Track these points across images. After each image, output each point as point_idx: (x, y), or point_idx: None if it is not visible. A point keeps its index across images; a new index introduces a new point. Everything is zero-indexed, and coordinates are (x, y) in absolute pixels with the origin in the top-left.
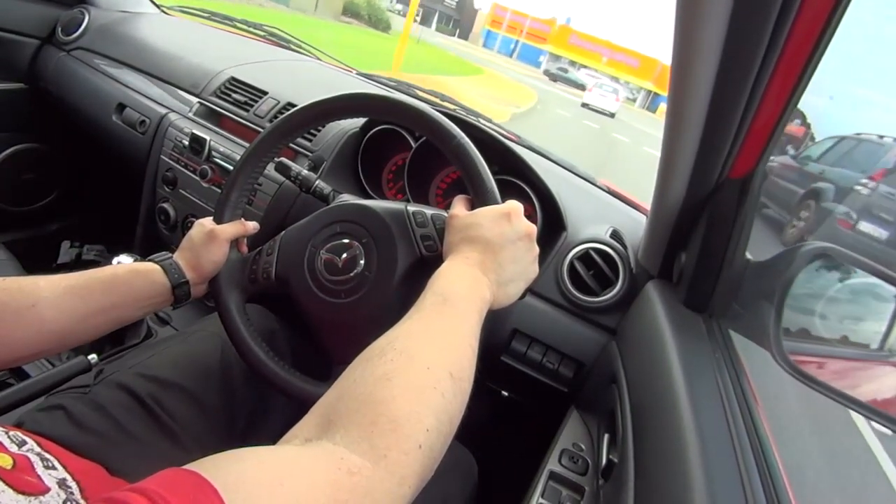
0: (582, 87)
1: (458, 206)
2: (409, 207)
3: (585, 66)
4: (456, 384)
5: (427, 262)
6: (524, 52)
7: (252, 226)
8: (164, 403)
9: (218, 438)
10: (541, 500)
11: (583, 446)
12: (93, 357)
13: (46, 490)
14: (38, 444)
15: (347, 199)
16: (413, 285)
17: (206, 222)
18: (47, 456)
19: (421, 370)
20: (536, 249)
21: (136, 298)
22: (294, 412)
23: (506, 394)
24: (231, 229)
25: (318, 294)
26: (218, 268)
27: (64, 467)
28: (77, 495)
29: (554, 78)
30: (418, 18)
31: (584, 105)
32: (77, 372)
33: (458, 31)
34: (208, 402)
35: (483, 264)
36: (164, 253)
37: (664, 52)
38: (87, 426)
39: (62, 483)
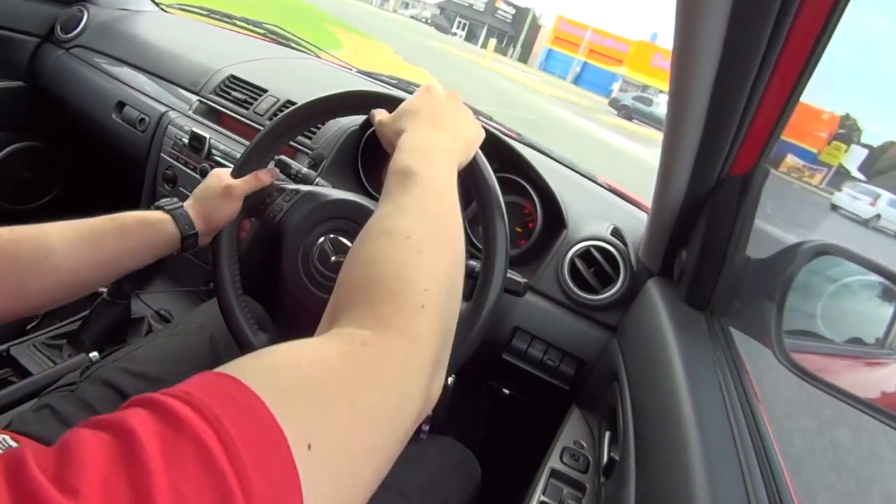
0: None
1: (379, 114)
2: None
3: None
4: (441, 239)
5: None
6: (590, 76)
7: (266, 177)
8: None
9: None
10: (542, 498)
11: (584, 444)
12: (94, 354)
13: None
14: (16, 441)
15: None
16: None
17: (224, 175)
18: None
19: (401, 241)
20: (467, 108)
21: (146, 247)
22: None
23: (507, 392)
24: (246, 186)
25: (304, 280)
26: (228, 221)
27: None
28: None
29: (629, 114)
30: (461, 32)
31: None
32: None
33: (511, 48)
34: None
35: (431, 125)
36: (174, 200)
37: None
38: (72, 423)
39: None
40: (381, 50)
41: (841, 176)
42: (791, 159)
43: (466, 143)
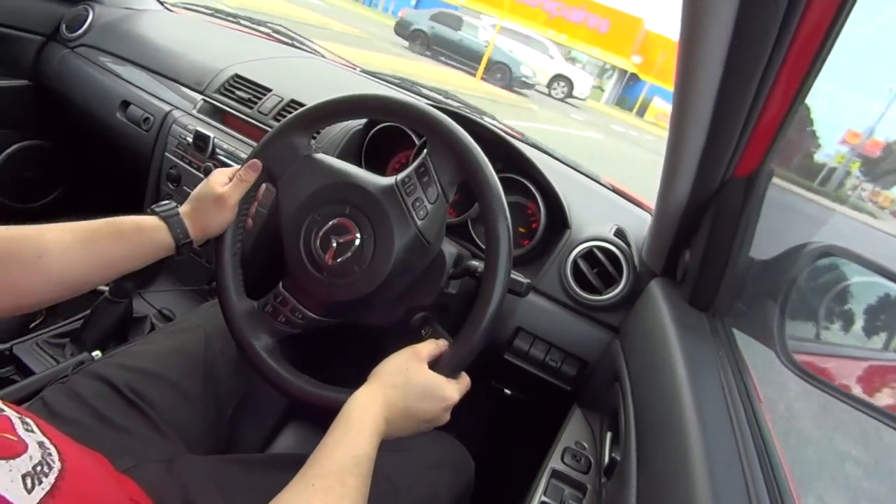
0: (476, 60)
1: (425, 349)
2: (397, 178)
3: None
4: None
5: (421, 233)
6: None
7: (250, 175)
8: (142, 392)
9: (204, 425)
10: (543, 498)
11: (585, 444)
12: (96, 353)
13: (25, 449)
14: (16, 412)
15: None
16: (405, 264)
17: (217, 184)
18: (26, 420)
19: None
20: (427, 431)
21: (140, 251)
22: (286, 402)
23: (509, 392)
24: (237, 192)
25: (304, 259)
26: (223, 230)
27: (42, 432)
28: (55, 457)
29: (414, 38)
30: None
31: None
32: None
33: None
34: (191, 391)
35: (391, 421)
36: (170, 204)
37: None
38: (63, 414)
39: (41, 445)
40: None
41: None
42: (658, 104)
43: (383, 436)
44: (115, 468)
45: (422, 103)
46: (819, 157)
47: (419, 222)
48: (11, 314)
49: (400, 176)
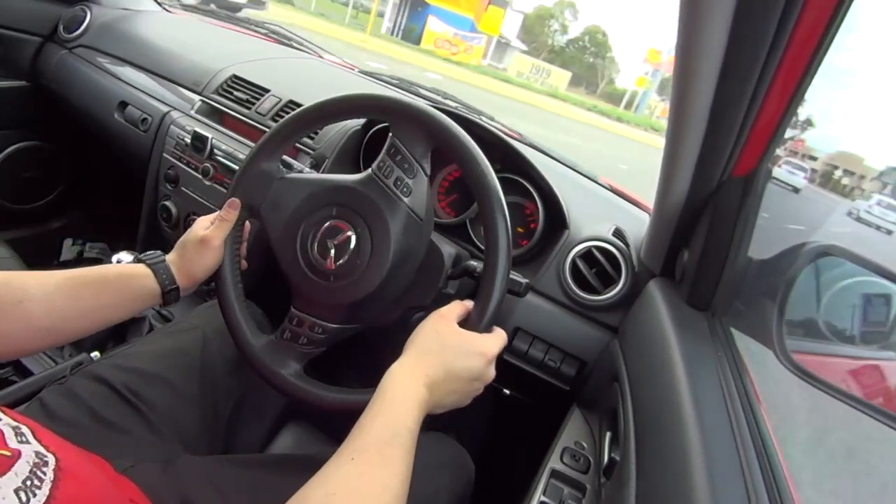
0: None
1: (452, 310)
2: (372, 166)
3: None
4: None
5: (411, 210)
6: None
7: (231, 214)
8: (139, 393)
9: (202, 426)
10: (542, 498)
11: (584, 444)
12: (95, 354)
13: (16, 463)
14: (12, 418)
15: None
16: (406, 249)
17: (200, 229)
18: (22, 429)
19: None
20: (481, 391)
21: (125, 300)
22: (284, 402)
23: (507, 392)
24: (220, 232)
25: (301, 264)
26: (209, 273)
27: (38, 440)
28: (51, 465)
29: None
30: None
31: None
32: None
33: None
34: (189, 392)
35: (435, 387)
36: (156, 254)
37: None
38: (60, 415)
39: (37, 454)
40: None
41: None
42: (435, 26)
43: (437, 409)
44: (114, 469)
45: (370, 92)
46: (620, 82)
47: (405, 199)
48: None
49: (374, 164)
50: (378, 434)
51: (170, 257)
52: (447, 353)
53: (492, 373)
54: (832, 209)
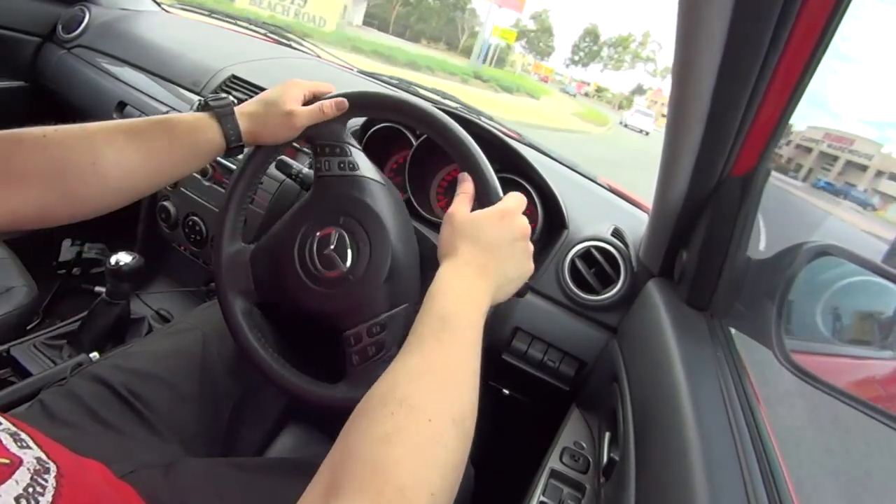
0: None
1: (459, 204)
2: (314, 175)
3: None
4: (459, 430)
5: (370, 178)
6: None
7: (331, 110)
8: (139, 394)
9: (202, 427)
10: (542, 498)
11: (584, 444)
12: (94, 355)
13: (16, 471)
14: (13, 424)
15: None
16: (396, 219)
17: (289, 99)
18: (22, 435)
19: (423, 424)
20: (531, 247)
21: (193, 156)
22: (284, 403)
23: (507, 392)
24: (309, 118)
25: (303, 277)
26: (277, 143)
27: (39, 446)
28: (52, 472)
29: None
30: None
31: None
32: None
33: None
34: (188, 393)
35: (485, 267)
36: (225, 100)
37: None
38: (60, 417)
39: (38, 460)
40: None
41: None
42: None
43: (508, 289)
44: (113, 474)
45: (423, 102)
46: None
47: (358, 172)
48: (67, 222)
49: (314, 172)
50: (431, 325)
51: (242, 110)
52: (477, 234)
53: (525, 223)
54: None
